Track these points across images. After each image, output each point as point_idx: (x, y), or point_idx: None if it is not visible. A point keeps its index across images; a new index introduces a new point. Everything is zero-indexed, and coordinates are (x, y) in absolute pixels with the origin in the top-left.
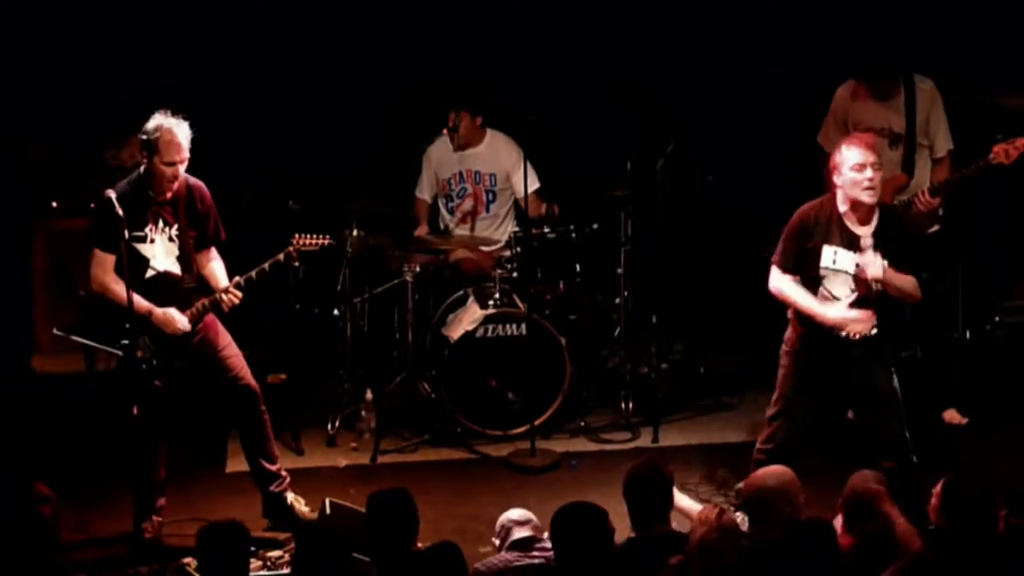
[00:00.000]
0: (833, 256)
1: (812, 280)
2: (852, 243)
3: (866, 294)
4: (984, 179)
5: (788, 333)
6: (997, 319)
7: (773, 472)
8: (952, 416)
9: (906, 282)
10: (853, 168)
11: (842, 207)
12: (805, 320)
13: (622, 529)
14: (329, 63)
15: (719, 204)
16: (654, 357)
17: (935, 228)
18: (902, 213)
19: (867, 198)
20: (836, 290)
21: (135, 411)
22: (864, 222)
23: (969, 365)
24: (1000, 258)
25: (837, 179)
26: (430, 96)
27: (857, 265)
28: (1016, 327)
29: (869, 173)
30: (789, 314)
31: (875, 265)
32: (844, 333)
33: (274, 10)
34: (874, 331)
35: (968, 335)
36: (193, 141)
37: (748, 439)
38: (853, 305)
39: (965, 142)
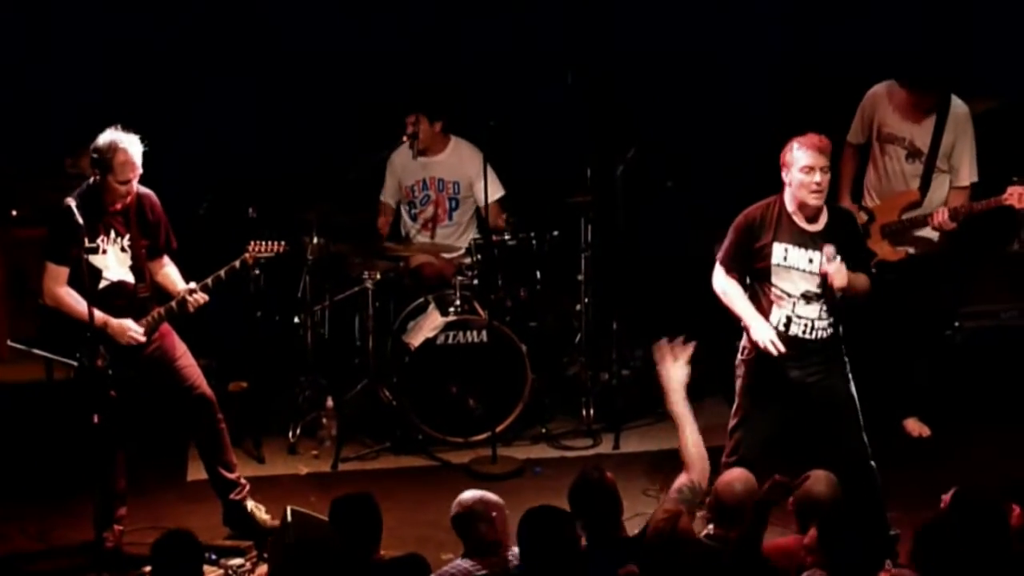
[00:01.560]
0: (784, 253)
1: (762, 277)
2: (803, 240)
3: (831, 298)
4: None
5: (743, 341)
6: (956, 324)
7: (739, 476)
8: (913, 426)
9: (861, 281)
10: (802, 170)
11: (790, 205)
12: None
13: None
14: (291, 68)
15: (679, 210)
16: (615, 364)
17: (937, 249)
18: (905, 227)
19: (812, 201)
20: (787, 287)
21: (95, 420)
22: (812, 221)
23: (929, 371)
24: (958, 263)
25: (786, 177)
26: (391, 102)
27: (824, 275)
28: (975, 332)
29: (817, 177)
30: (744, 323)
31: (841, 275)
32: (773, 352)
33: (237, 13)
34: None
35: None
36: (150, 151)
37: (708, 444)
38: (809, 301)
39: None
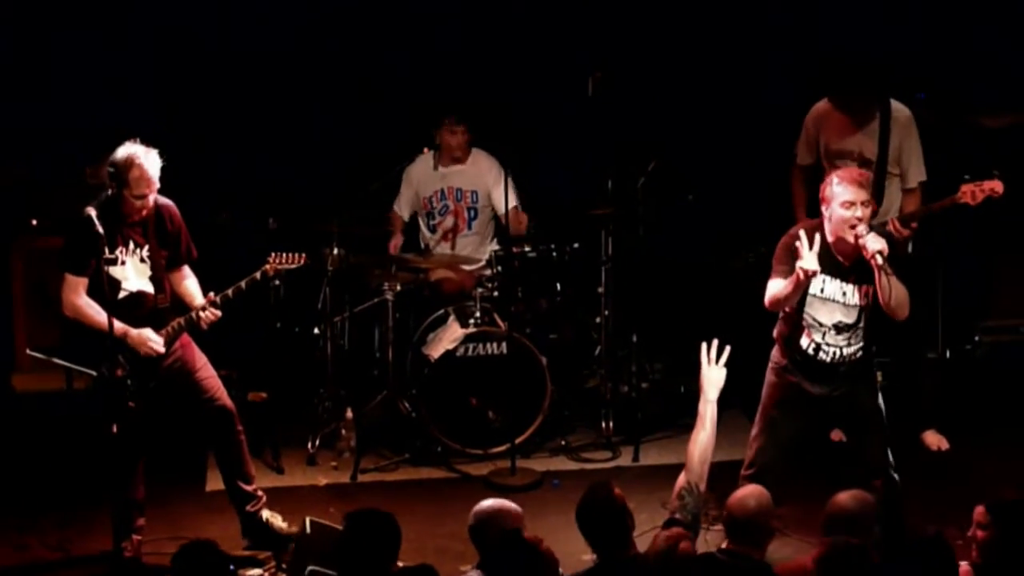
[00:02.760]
0: (822, 284)
1: (797, 303)
2: (839, 272)
3: (863, 304)
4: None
5: (774, 352)
6: (976, 339)
7: (753, 492)
8: (932, 439)
9: (900, 288)
10: (843, 205)
11: (830, 236)
12: (789, 340)
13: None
14: (312, 80)
15: (699, 223)
16: (634, 376)
17: (908, 250)
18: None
19: (851, 238)
20: (821, 317)
21: (114, 429)
22: (850, 253)
23: (948, 385)
24: (979, 277)
25: (826, 210)
26: (413, 113)
27: (860, 244)
28: (995, 347)
29: (859, 212)
30: (775, 333)
31: (877, 239)
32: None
33: (258, 26)
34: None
35: (948, 355)
36: (170, 162)
37: (727, 458)
38: (840, 331)
39: (949, 164)
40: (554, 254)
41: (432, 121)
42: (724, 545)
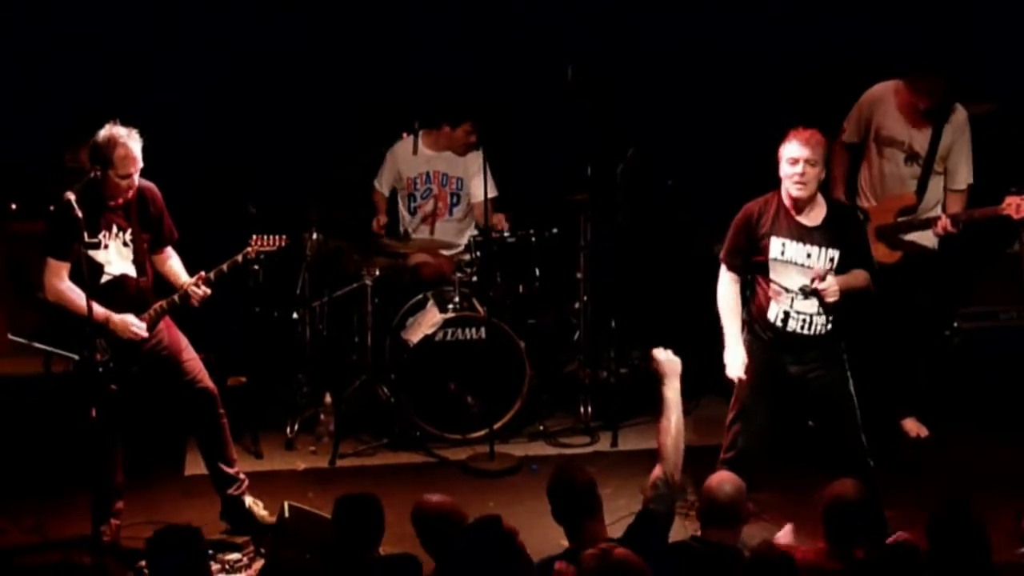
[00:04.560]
0: (781, 247)
1: (761, 271)
2: (800, 235)
3: (830, 269)
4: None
5: (743, 336)
6: (955, 325)
7: (728, 477)
8: (911, 426)
9: (859, 281)
10: (787, 161)
11: (787, 200)
12: (759, 321)
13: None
14: (292, 65)
15: (679, 209)
16: (613, 362)
17: (931, 252)
18: (901, 230)
19: (795, 192)
20: (785, 281)
21: (93, 414)
22: (810, 215)
23: (928, 371)
24: (957, 264)
25: (780, 171)
26: (392, 102)
27: (816, 291)
28: (973, 333)
29: (800, 168)
30: (744, 316)
31: (833, 292)
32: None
33: (241, 10)
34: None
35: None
36: (152, 145)
37: (704, 443)
38: (808, 296)
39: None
40: (533, 239)
41: (449, 119)
42: (698, 532)
